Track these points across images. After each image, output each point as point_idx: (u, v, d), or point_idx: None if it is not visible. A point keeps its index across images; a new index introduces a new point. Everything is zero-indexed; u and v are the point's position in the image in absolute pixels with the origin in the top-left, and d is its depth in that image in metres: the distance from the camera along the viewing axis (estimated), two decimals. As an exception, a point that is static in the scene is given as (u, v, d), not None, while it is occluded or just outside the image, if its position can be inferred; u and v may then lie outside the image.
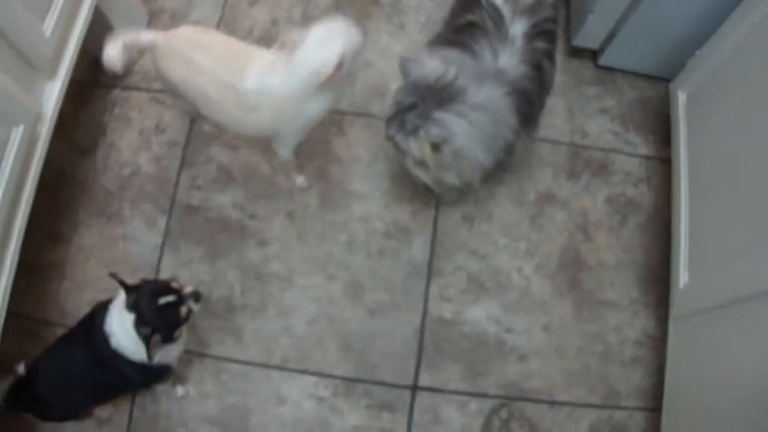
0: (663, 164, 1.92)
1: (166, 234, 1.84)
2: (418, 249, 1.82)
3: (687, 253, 1.61)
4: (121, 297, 1.37)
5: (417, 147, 1.39)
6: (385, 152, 1.88)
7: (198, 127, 1.93)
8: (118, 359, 1.38)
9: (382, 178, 1.88)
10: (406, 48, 2.04)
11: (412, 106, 1.38)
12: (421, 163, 1.45)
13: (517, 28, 1.46)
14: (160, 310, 1.34)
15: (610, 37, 1.94)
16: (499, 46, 1.45)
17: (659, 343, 1.71)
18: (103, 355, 1.38)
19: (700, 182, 1.64)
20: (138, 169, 1.91)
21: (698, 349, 1.50)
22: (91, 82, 1.94)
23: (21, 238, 1.48)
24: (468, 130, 1.37)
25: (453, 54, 1.46)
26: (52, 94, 1.58)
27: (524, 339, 1.75)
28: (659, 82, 2.01)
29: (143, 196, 1.89)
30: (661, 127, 1.96)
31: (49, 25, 1.52)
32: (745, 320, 1.33)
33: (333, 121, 1.92)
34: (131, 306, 1.34)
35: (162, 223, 1.86)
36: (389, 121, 1.41)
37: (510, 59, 1.45)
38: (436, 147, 1.37)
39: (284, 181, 1.86)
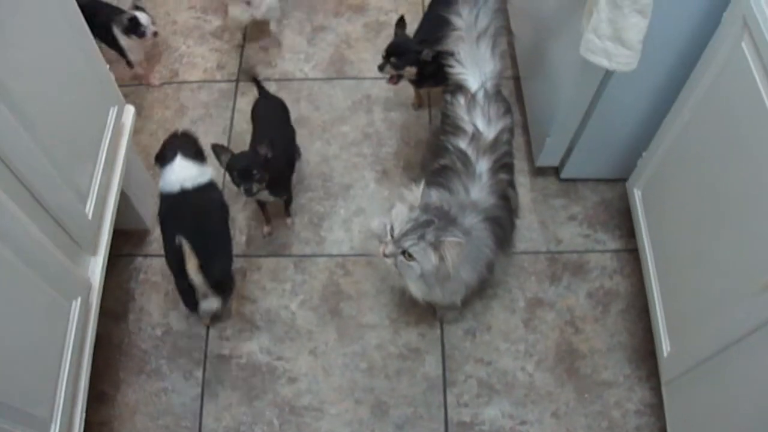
0: (631, 254, 2.10)
1: (204, 383, 1.98)
2: (431, 365, 1.98)
3: (665, 326, 1.74)
4: None
5: (438, 256, 1.53)
6: (389, 285, 2.07)
7: None
8: None
9: (389, 308, 2.06)
10: (392, 191, 2.26)
11: (428, 223, 1.53)
12: (427, 276, 1.59)
13: (482, 165, 1.69)
14: None
15: (568, 153, 2.14)
16: (469, 183, 1.67)
17: (657, 409, 1.85)
18: None
19: (664, 263, 1.78)
20: (169, 328, 2.07)
21: (692, 405, 1.62)
22: (115, 253, 2.04)
23: (85, 401, 1.62)
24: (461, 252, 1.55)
25: (434, 193, 1.66)
26: (97, 267, 1.72)
27: (537, 428, 1.90)
28: (617, 183, 2.21)
29: (177, 351, 2.04)
30: (624, 222, 2.16)
31: (90, 208, 1.69)
32: (725, 369, 1.45)
33: (338, 264, 2.13)
34: None
35: (198, 373, 2.00)
36: (402, 236, 1.54)
37: (480, 192, 1.67)
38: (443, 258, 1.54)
39: (303, 323, 2.05)
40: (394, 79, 2.20)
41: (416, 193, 1.57)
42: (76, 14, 1.66)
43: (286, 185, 2.11)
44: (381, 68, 2.16)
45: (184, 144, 1.94)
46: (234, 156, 1.89)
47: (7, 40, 1.34)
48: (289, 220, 2.22)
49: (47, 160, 1.46)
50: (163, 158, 1.93)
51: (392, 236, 1.56)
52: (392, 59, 2.13)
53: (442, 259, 1.53)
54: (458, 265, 1.56)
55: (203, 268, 1.76)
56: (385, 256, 1.58)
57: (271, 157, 1.88)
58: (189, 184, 1.88)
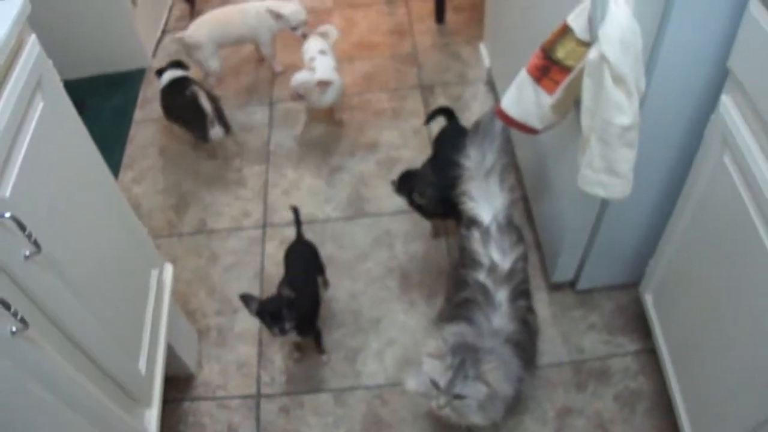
0: (651, 354, 2.15)
1: None
2: None
3: (689, 421, 1.78)
4: None
5: (484, 384, 1.64)
6: (425, 411, 2.14)
7: (266, 422, 2.18)
8: None
9: None
10: (419, 321, 2.38)
11: (462, 362, 1.64)
12: (484, 405, 1.69)
13: (501, 295, 1.81)
14: None
15: (580, 267, 2.25)
16: (490, 313, 1.79)
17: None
18: None
19: (682, 363, 1.83)
20: None
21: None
22: (163, 399, 2.05)
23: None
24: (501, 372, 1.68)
25: (458, 326, 1.79)
26: (152, 418, 1.80)
27: None
28: (630, 287, 2.30)
29: None
30: (640, 324, 2.23)
31: (142, 365, 1.79)
32: None
33: (375, 396, 2.21)
34: None
35: None
36: (449, 384, 1.65)
37: (501, 320, 1.79)
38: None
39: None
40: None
41: (437, 342, 1.70)
42: (114, 186, 1.81)
43: (312, 325, 2.24)
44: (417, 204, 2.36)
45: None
46: (262, 302, 2.05)
47: (62, 222, 1.47)
48: (324, 357, 2.33)
49: (99, 325, 1.55)
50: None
51: (439, 389, 1.67)
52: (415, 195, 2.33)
53: (488, 385, 1.65)
54: (502, 384, 1.68)
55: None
56: (441, 407, 1.69)
57: (294, 298, 2.03)
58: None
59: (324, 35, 3.08)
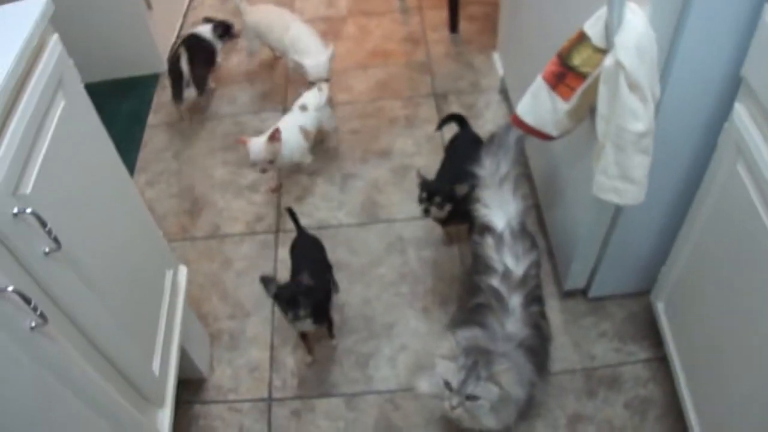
0: (662, 362, 2.15)
1: None
2: None
3: (700, 430, 1.79)
4: None
5: (497, 386, 1.64)
6: (437, 417, 2.14)
7: (277, 426, 2.18)
8: None
9: None
10: (431, 327, 2.38)
11: (475, 364, 1.65)
12: (496, 407, 1.68)
13: (515, 300, 1.81)
14: None
15: (592, 275, 2.26)
16: (504, 318, 1.79)
17: None
18: None
19: (693, 371, 1.83)
20: None
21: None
22: (175, 402, 2.05)
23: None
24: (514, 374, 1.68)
25: (471, 331, 1.79)
26: (165, 419, 1.81)
27: None
28: (642, 295, 2.30)
29: None
30: (651, 332, 2.23)
31: (156, 366, 1.80)
32: None
33: (387, 400, 2.22)
34: None
35: None
36: (462, 385, 1.66)
37: (514, 326, 1.79)
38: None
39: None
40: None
41: (450, 344, 1.71)
42: (131, 186, 1.84)
43: (325, 313, 2.27)
44: (427, 212, 2.31)
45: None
46: (280, 286, 2.08)
47: (81, 220, 1.49)
48: (334, 341, 2.37)
49: (115, 324, 1.57)
50: None
51: (451, 389, 1.68)
52: (436, 199, 2.27)
53: (500, 387, 1.65)
54: (514, 385, 1.68)
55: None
56: (454, 408, 1.69)
57: (311, 286, 2.06)
58: None
59: (321, 91, 2.94)
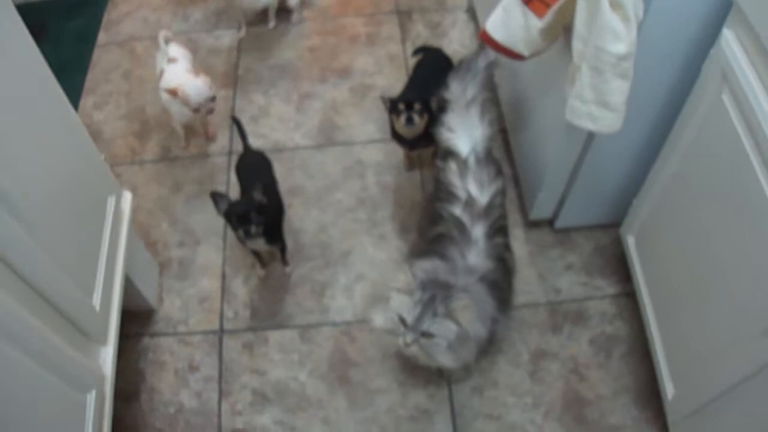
0: (630, 298, 2.11)
1: (221, 458, 2.00)
2: (442, 424, 1.99)
3: (667, 369, 1.75)
4: None
5: (454, 322, 1.58)
6: (394, 350, 2.08)
7: (229, 359, 2.13)
8: None
9: (396, 372, 2.08)
10: (390, 256, 2.30)
11: (432, 298, 1.57)
12: (453, 344, 1.62)
13: (478, 231, 1.73)
14: None
15: (560, 204, 2.18)
16: (465, 249, 1.71)
17: (668, 450, 1.88)
18: None
19: (662, 308, 1.80)
20: (181, 406, 2.07)
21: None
22: (122, 335, 1.99)
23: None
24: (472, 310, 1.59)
25: (431, 262, 1.71)
26: (108, 356, 1.72)
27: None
28: (610, 228, 2.25)
29: (192, 428, 2.04)
30: (620, 267, 2.18)
31: (97, 300, 1.70)
32: (730, 411, 1.47)
33: (343, 332, 2.15)
34: None
35: (214, 450, 2.01)
36: (417, 321, 1.58)
37: (477, 258, 1.71)
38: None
39: (313, 392, 2.07)
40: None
41: (407, 276, 1.62)
42: (66, 107, 1.70)
43: (279, 232, 2.19)
44: (410, 120, 2.13)
45: None
46: (231, 203, 2.00)
47: (8, 149, 1.37)
48: (288, 269, 2.29)
49: (49, 258, 1.47)
50: None
51: (406, 325, 1.60)
52: (416, 106, 2.12)
53: (458, 324, 1.57)
54: (474, 322, 1.61)
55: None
56: (408, 345, 1.61)
57: (263, 202, 1.98)
58: None
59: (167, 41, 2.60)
